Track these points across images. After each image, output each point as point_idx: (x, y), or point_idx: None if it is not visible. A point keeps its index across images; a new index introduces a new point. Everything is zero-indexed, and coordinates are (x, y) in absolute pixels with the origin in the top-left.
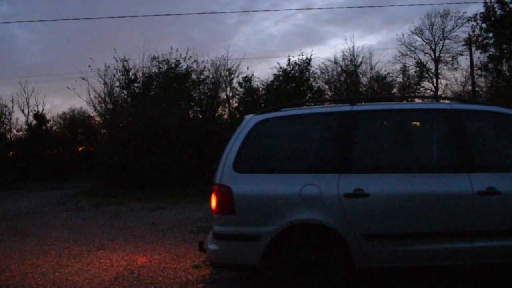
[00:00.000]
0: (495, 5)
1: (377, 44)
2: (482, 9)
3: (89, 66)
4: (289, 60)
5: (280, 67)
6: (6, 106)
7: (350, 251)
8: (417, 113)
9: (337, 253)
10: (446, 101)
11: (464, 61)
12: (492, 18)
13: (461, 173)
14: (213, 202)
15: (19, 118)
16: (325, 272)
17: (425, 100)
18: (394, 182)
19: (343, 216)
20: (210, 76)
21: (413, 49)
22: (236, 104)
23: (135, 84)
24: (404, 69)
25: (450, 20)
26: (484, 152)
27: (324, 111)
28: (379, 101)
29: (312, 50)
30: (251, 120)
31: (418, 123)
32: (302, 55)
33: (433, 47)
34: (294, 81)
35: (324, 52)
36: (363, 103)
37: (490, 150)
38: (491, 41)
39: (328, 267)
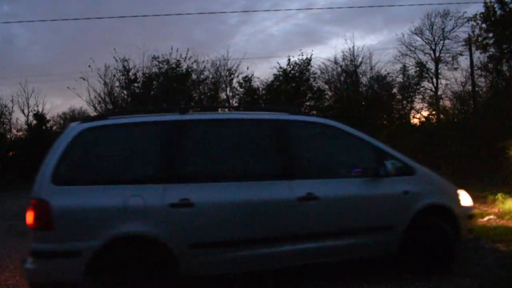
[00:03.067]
0: (495, 5)
1: (378, 44)
2: (482, 9)
3: (89, 66)
4: (289, 60)
5: (280, 67)
6: (6, 106)
7: (177, 261)
8: (244, 123)
9: (164, 264)
10: (273, 112)
11: (464, 61)
12: (492, 18)
13: (283, 180)
14: (29, 217)
15: (19, 118)
16: (152, 284)
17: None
18: (219, 191)
19: (169, 227)
20: (210, 76)
21: (413, 49)
22: (236, 104)
23: (135, 84)
24: (404, 69)
25: (450, 20)
26: (305, 160)
27: (152, 120)
28: (211, 111)
29: (312, 50)
30: (74, 128)
31: (245, 133)
32: (302, 55)
33: (433, 47)
34: (294, 81)
35: (325, 52)
36: (193, 113)
37: (311, 159)
38: (491, 41)
39: (155, 278)
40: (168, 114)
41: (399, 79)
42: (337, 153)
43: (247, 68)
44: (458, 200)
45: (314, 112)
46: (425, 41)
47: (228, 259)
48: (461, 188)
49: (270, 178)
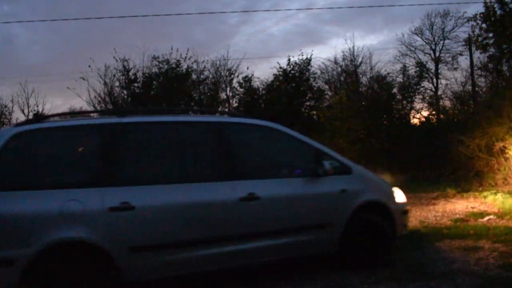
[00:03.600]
0: (495, 5)
1: (378, 44)
2: (482, 9)
3: (89, 66)
4: (289, 60)
5: (280, 67)
6: (6, 106)
7: (119, 266)
8: (185, 126)
9: (104, 269)
10: (215, 114)
11: (464, 61)
12: (492, 18)
13: (224, 181)
14: None
15: (19, 118)
16: None
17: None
18: (161, 193)
19: (109, 231)
20: (210, 76)
21: (413, 49)
22: (236, 104)
23: (135, 84)
24: (404, 69)
25: (450, 20)
26: (246, 161)
27: (90, 123)
28: (151, 114)
29: (312, 50)
30: (5, 132)
31: (186, 135)
32: (302, 55)
33: (433, 47)
34: (294, 81)
35: (325, 52)
36: (132, 115)
37: (252, 160)
38: (491, 41)
39: (96, 285)
40: (106, 117)
41: (399, 79)
42: (277, 154)
43: (247, 68)
44: (393, 197)
45: (314, 112)
46: (425, 41)
47: (171, 262)
48: (463, 187)
49: (212, 180)
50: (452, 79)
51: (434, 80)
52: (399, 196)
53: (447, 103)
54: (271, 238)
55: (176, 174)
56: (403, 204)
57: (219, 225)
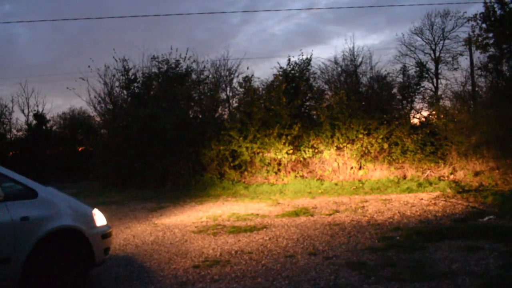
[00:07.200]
0: (495, 5)
1: (380, 43)
2: (482, 9)
3: (89, 67)
4: (289, 60)
5: (280, 67)
6: (6, 106)
7: None
8: None
9: None
10: None
11: (464, 61)
12: (492, 18)
13: None
14: None
15: (19, 118)
16: None
17: None
18: None
19: None
20: (210, 76)
21: (413, 49)
22: (236, 104)
23: (135, 84)
24: (404, 69)
25: (450, 20)
26: None
27: None
28: None
29: (312, 50)
30: None
31: None
32: (302, 55)
33: (433, 47)
34: (294, 81)
35: (327, 52)
36: None
37: None
38: (491, 41)
39: None
40: None
41: (399, 79)
42: None
43: (247, 68)
44: (90, 221)
45: (314, 112)
46: (425, 41)
47: None
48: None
49: None
50: (452, 79)
51: (434, 80)
52: (99, 219)
53: (447, 103)
54: None
55: None
56: (103, 228)
57: None
